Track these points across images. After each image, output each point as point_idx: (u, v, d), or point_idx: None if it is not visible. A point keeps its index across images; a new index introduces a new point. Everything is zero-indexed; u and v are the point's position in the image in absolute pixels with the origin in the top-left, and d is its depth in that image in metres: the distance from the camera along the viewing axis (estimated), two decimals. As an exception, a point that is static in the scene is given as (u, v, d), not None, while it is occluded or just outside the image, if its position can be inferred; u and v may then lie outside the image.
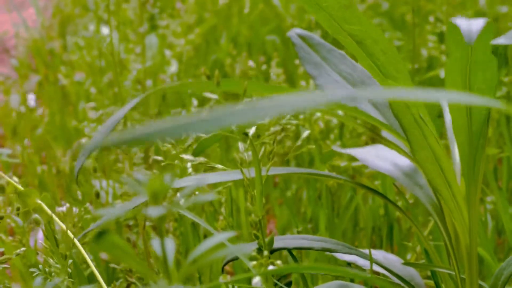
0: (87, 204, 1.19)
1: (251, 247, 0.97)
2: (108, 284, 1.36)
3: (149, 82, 1.88)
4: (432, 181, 1.05)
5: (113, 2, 1.64)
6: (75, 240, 1.06)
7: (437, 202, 1.09)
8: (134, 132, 0.54)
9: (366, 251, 1.11)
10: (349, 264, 1.17)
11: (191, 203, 0.64)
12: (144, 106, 1.84)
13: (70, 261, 1.06)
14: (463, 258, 1.06)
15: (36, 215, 1.09)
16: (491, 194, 1.50)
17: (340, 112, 1.42)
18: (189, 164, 1.20)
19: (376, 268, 1.13)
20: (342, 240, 1.47)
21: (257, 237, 0.97)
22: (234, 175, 1.04)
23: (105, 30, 2.32)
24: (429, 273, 1.24)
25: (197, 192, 1.17)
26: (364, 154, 1.21)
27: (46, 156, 1.90)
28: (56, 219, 1.07)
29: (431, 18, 1.90)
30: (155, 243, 0.61)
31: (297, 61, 1.88)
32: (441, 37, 1.90)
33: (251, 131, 1.00)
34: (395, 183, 1.38)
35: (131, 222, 1.43)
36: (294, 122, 1.05)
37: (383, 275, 1.14)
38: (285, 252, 1.41)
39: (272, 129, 1.04)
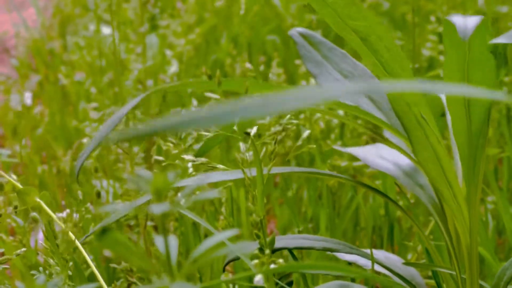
0: (88, 204, 1.19)
1: (252, 246, 0.97)
2: (108, 284, 1.36)
3: (149, 82, 1.88)
4: (433, 181, 1.05)
5: (113, 2, 1.64)
6: (76, 240, 1.06)
7: (438, 202, 1.09)
8: (140, 128, 0.54)
9: (367, 250, 1.11)
10: (350, 263, 1.17)
11: (192, 201, 0.64)
12: (144, 105, 1.84)
13: (71, 263, 1.06)
14: (464, 258, 1.06)
15: (34, 214, 1.09)
16: (492, 194, 1.50)
17: (341, 112, 1.42)
18: (190, 164, 1.20)
19: (377, 267, 1.13)
20: (343, 239, 1.47)
21: (258, 237, 0.97)
22: (235, 174, 1.04)
23: (105, 30, 2.32)
24: (430, 273, 1.24)
25: (198, 192, 1.17)
26: (365, 153, 1.21)
27: (46, 156, 1.90)
28: (56, 219, 1.07)
29: (432, 18, 1.90)
30: (158, 241, 0.61)
31: (297, 61, 1.88)
32: (441, 37, 1.90)
33: (253, 131, 1.00)
34: (396, 182, 1.38)
35: (132, 222, 1.43)
36: (295, 121, 1.05)
37: (384, 274, 1.14)
38: (285, 252, 1.41)
39: (273, 129, 1.04)
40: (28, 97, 1.87)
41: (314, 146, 1.20)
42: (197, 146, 1.17)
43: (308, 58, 1.13)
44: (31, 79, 2.39)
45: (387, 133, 1.13)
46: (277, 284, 1.11)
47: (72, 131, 1.98)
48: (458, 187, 1.04)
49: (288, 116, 1.05)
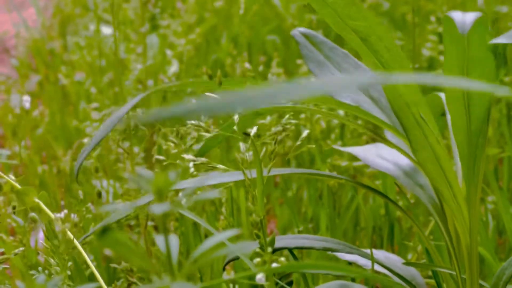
0: (89, 204, 1.19)
1: (252, 246, 0.97)
2: (109, 284, 1.36)
3: (150, 82, 1.88)
4: (433, 181, 1.05)
5: (114, 2, 1.64)
6: (75, 241, 1.06)
7: (438, 202, 1.09)
8: (172, 108, 0.55)
9: (367, 250, 1.11)
10: (350, 263, 1.17)
11: (192, 201, 0.64)
12: (145, 105, 1.84)
13: (70, 263, 1.06)
14: (464, 258, 1.06)
15: (33, 214, 1.10)
16: (492, 194, 1.50)
17: (341, 112, 1.42)
18: (191, 164, 1.20)
19: (377, 267, 1.13)
20: (343, 239, 1.47)
21: (258, 237, 0.97)
22: (236, 176, 1.04)
23: (105, 30, 2.32)
24: (430, 273, 1.24)
25: (198, 192, 1.17)
26: (365, 153, 1.21)
27: (46, 156, 1.90)
28: (55, 219, 1.07)
29: (432, 18, 1.90)
30: (159, 240, 0.61)
31: (298, 61, 1.88)
32: (441, 38, 1.90)
33: (253, 131, 1.00)
34: (396, 182, 1.38)
35: (132, 222, 1.43)
36: (295, 121, 1.05)
37: (384, 274, 1.14)
38: (286, 252, 1.41)
39: (273, 129, 1.04)
40: (26, 101, 1.87)
41: (314, 146, 1.20)
42: (197, 146, 1.17)
43: (310, 58, 1.13)
44: (31, 79, 2.39)
45: (387, 133, 1.13)
46: (277, 284, 1.11)
47: (72, 131, 1.98)
48: (458, 187, 1.04)
49: (288, 116, 1.05)
